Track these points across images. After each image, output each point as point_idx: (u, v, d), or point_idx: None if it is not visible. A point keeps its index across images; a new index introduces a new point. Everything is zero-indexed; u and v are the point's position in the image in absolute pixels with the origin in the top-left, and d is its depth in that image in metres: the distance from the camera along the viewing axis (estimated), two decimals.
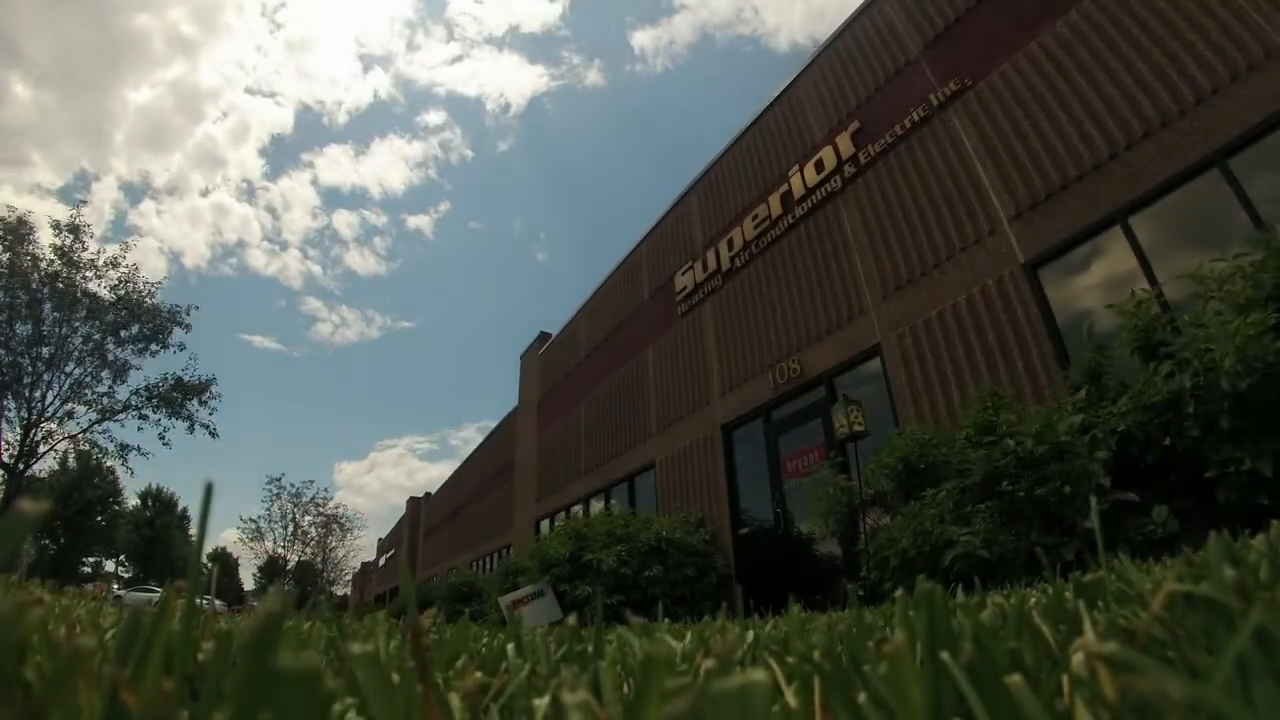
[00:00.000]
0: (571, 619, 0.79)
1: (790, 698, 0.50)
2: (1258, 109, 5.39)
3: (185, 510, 53.58)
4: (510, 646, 0.76)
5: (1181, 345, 4.27)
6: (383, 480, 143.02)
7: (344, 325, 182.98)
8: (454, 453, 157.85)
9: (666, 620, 1.82)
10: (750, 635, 0.89)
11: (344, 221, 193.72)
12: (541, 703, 0.55)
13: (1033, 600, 1.25)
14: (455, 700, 0.52)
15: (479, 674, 0.70)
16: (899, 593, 0.84)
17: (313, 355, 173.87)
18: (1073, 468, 4.49)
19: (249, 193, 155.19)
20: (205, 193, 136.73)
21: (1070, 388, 5.09)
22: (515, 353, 23.12)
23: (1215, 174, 5.62)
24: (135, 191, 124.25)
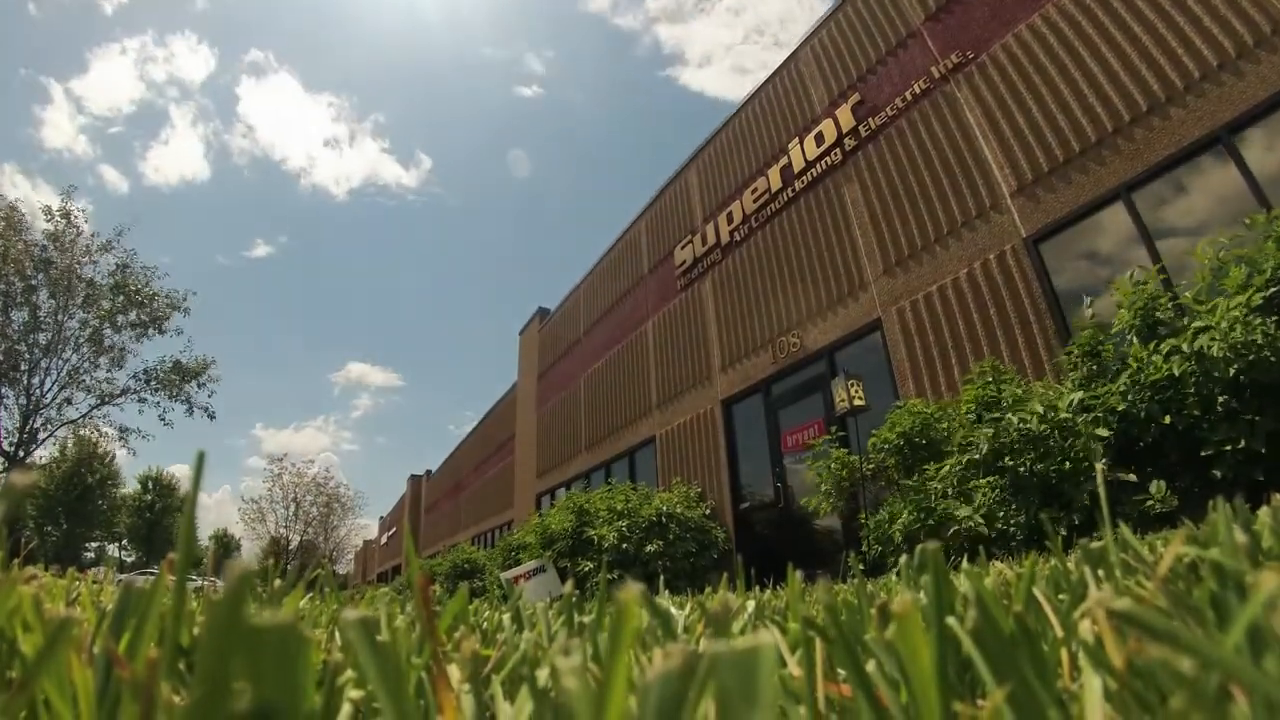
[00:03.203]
0: (568, 585, 0.79)
1: (794, 667, 0.50)
2: (1264, 85, 5.31)
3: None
4: (507, 618, 0.75)
5: (1182, 326, 4.26)
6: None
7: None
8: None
9: (667, 593, 1.82)
10: (751, 604, 0.89)
11: None
12: (542, 674, 0.54)
13: (1038, 567, 1.25)
14: (454, 671, 0.51)
15: (478, 646, 0.69)
16: (903, 559, 0.83)
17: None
18: (1074, 444, 4.50)
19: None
20: None
21: (1070, 364, 5.08)
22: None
23: (1220, 150, 5.56)
24: None
